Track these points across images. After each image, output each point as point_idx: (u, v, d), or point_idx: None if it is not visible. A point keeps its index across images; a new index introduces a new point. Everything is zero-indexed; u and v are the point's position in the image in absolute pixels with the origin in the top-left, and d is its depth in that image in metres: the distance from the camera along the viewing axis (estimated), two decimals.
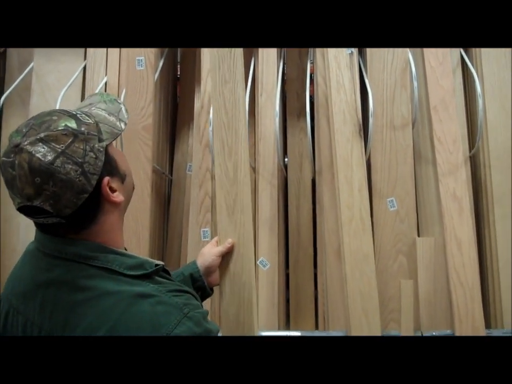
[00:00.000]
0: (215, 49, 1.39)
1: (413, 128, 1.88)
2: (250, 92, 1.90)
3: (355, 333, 1.63)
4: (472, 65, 1.87)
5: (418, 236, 1.82)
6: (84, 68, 2.01)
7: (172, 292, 0.91)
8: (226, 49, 1.39)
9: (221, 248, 1.32)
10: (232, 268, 1.34)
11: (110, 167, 0.93)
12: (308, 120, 1.81)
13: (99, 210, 0.92)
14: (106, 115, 0.97)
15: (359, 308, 1.66)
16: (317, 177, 1.89)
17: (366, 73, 1.88)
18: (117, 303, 0.86)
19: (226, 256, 1.33)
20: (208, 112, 1.86)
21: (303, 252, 1.92)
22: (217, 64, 1.40)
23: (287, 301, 1.91)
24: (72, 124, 0.87)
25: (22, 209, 0.87)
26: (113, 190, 0.93)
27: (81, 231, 0.92)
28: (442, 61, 1.85)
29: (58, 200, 0.85)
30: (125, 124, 1.00)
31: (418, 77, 1.85)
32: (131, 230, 1.82)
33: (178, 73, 2.34)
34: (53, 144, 0.84)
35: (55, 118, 0.88)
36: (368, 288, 1.67)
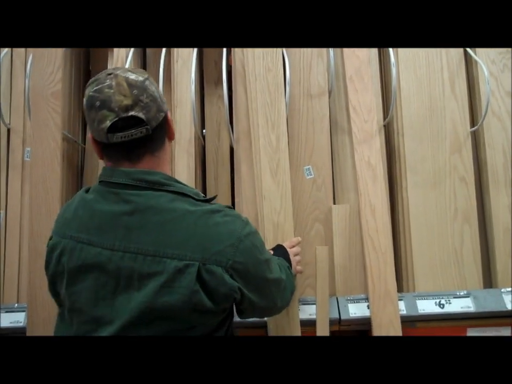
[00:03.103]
0: None
1: (329, 97, 1.89)
2: (165, 57, 1.85)
3: None
4: None
5: (335, 203, 1.84)
6: None
7: (227, 207, 1.15)
8: None
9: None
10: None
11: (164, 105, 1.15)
12: (224, 87, 1.78)
13: (165, 137, 1.15)
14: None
15: None
16: (235, 145, 1.87)
17: None
18: (198, 219, 1.07)
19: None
20: None
21: None
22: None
23: None
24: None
25: (114, 125, 1.03)
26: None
27: (156, 152, 1.12)
28: None
29: (149, 111, 1.06)
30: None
31: None
32: (41, 200, 1.73)
33: None
34: (139, 73, 1.09)
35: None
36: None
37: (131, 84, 1.05)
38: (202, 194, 1.18)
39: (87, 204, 1.12)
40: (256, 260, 1.13)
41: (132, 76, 1.06)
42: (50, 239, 1.17)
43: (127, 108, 1.03)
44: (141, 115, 1.04)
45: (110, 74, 1.05)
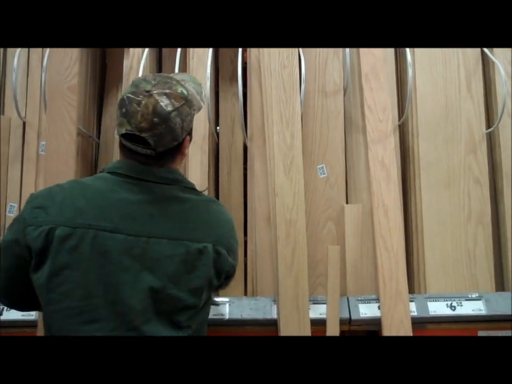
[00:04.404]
0: None
1: (344, 95, 1.88)
2: (181, 55, 1.85)
3: (283, 298, 1.64)
4: None
5: (347, 202, 1.84)
6: None
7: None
8: None
9: None
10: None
11: (191, 130, 1.28)
12: (239, 84, 1.78)
13: (178, 156, 1.26)
14: (195, 92, 1.28)
15: (288, 273, 1.66)
16: (248, 142, 1.87)
17: None
18: (208, 206, 1.28)
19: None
20: (138, 73, 1.80)
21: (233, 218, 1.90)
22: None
23: None
24: (184, 91, 1.20)
25: (127, 135, 1.16)
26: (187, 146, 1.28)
27: (164, 165, 1.23)
28: None
29: (161, 139, 1.16)
30: (203, 104, 1.36)
31: None
32: None
33: None
34: (173, 100, 1.16)
35: (174, 82, 1.20)
36: (297, 254, 1.68)
37: (156, 112, 1.14)
38: None
39: (101, 192, 1.18)
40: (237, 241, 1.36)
41: (163, 103, 1.15)
42: (39, 226, 1.13)
43: (142, 130, 1.14)
44: (150, 140, 1.15)
45: (148, 91, 1.15)
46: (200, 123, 1.86)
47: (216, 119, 2.00)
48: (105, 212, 1.15)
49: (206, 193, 1.40)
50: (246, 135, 1.87)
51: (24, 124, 1.93)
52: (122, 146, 1.21)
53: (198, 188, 1.36)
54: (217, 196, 1.94)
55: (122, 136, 1.18)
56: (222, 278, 1.27)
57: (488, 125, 1.92)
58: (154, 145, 1.16)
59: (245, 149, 1.94)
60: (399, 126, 1.93)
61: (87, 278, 1.13)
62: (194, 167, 1.83)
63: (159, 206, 1.20)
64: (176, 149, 1.23)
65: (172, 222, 1.20)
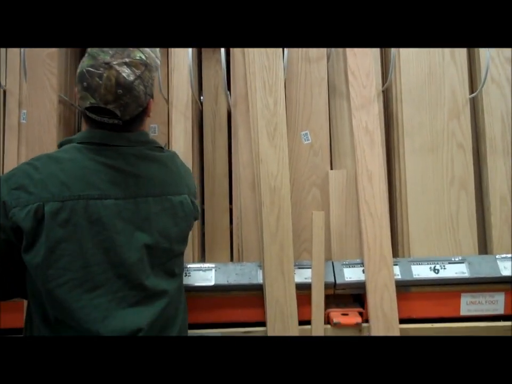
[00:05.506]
0: None
1: (328, 61, 1.87)
2: None
3: (268, 263, 1.65)
4: None
5: (332, 168, 1.84)
6: None
7: None
8: None
9: None
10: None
11: (152, 91, 1.28)
12: (222, 51, 1.76)
13: (144, 118, 1.29)
14: (150, 52, 1.24)
15: (273, 239, 1.67)
16: (232, 109, 1.86)
17: None
18: (174, 161, 1.36)
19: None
20: None
21: (218, 186, 1.90)
22: None
23: (203, 235, 1.89)
24: (142, 56, 1.19)
25: (92, 108, 1.18)
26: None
27: (133, 130, 1.26)
28: None
29: (126, 108, 1.18)
30: (160, 61, 1.32)
31: None
32: None
33: None
34: (134, 69, 1.17)
35: (131, 49, 1.18)
36: (282, 220, 1.68)
37: (119, 84, 1.15)
38: None
39: (80, 163, 1.19)
40: None
41: (125, 73, 1.16)
42: (24, 206, 1.13)
43: (107, 102, 1.16)
44: (116, 111, 1.17)
45: (107, 63, 1.15)
46: (183, 90, 1.84)
47: (199, 87, 1.98)
48: (90, 181, 1.17)
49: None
50: (230, 102, 1.85)
51: (4, 92, 1.90)
52: (87, 118, 1.23)
53: (182, 156, 1.44)
54: (202, 165, 1.94)
55: (87, 109, 1.19)
56: (191, 225, 1.40)
57: (472, 91, 1.92)
58: (120, 115, 1.19)
59: (229, 117, 1.92)
60: (383, 91, 1.93)
61: (84, 248, 1.15)
62: (179, 135, 1.83)
63: (138, 167, 1.24)
64: (142, 113, 1.26)
65: (152, 180, 1.26)
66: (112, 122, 1.20)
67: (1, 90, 1.90)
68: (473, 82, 1.96)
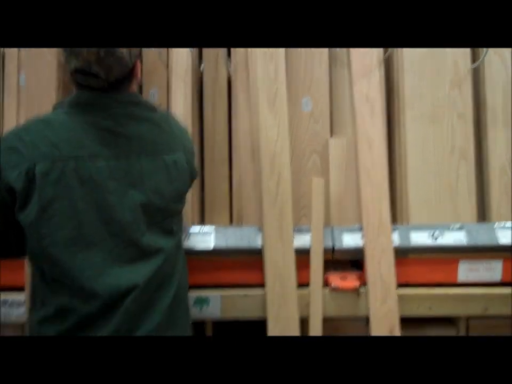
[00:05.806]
0: None
1: None
2: None
3: (267, 228, 1.65)
4: None
5: (332, 136, 1.84)
6: None
7: None
8: None
9: None
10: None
11: (139, 53, 1.29)
12: None
13: (132, 80, 1.28)
14: None
15: (272, 205, 1.67)
16: (232, 76, 1.85)
17: None
18: (168, 120, 1.36)
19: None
20: None
21: (218, 153, 1.89)
22: None
23: (202, 201, 1.89)
24: None
25: (77, 71, 1.18)
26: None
27: (122, 91, 1.25)
28: None
29: (111, 70, 1.17)
30: None
31: None
32: None
33: None
34: None
35: None
36: (281, 186, 1.68)
37: None
38: None
39: (70, 124, 1.20)
40: None
41: None
42: (15, 166, 1.15)
43: (90, 64, 1.15)
44: (101, 73, 1.17)
45: None
46: (183, 56, 1.83)
47: (199, 53, 1.97)
48: (79, 142, 1.18)
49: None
50: (230, 69, 1.85)
51: (3, 56, 1.89)
52: (74, 81, 1.23)
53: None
54: (201, 132, 1.93)
55: (72, 72, 1.20)
56: (191, 181, 1.41)
57: (474, 60, 1.92)
58: (105, 77, 1.18)
59: (229, 84, 1.91)
60: (384, 60, 1.92)
61: (77, 207, 1.16)
62: (178, 101, 1.81)
63: (128, 128, 1.24)
64: (129, 75, 1.25)
65: (144, 140, 1.26)
66: (97, 85, 1.20)
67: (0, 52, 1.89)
68: (475, 52, 1.95)
